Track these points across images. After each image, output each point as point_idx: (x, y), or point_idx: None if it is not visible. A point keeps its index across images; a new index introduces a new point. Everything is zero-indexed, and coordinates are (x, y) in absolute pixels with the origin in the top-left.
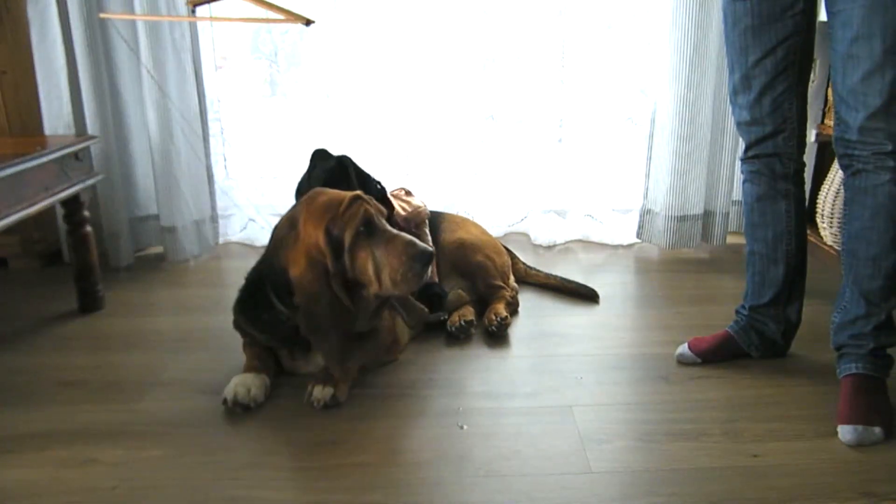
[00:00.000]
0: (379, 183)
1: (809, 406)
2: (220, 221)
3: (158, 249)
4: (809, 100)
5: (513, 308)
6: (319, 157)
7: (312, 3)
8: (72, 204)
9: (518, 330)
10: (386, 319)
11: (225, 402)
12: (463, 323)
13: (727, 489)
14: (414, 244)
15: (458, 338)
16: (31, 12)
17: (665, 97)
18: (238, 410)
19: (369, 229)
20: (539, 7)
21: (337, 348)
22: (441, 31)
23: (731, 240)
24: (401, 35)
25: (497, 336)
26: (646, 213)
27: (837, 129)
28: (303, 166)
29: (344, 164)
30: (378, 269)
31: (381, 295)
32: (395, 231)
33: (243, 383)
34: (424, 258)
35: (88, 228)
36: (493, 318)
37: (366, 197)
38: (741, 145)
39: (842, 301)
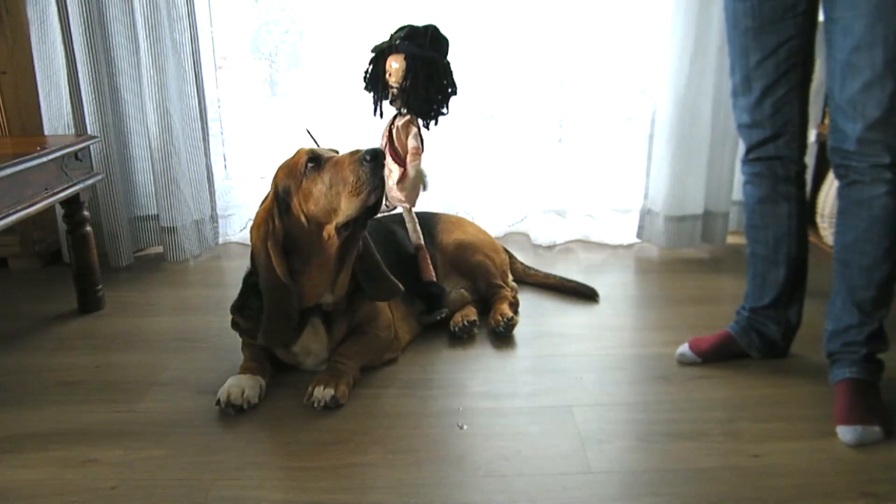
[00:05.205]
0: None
1: (809, 406)
2: (220, 221)
3: (158, 249)
4: (810, 100)
5: (514, 308)
6: None
7: (313, 3)
8: (72, 204)
9: (518, 330)
10: (385, 317)
11: (218, 402)
12: (466, 323)
13: (727, 489)
14: (357, 150)
15: (462, 338)
16: (31, 12)
17: (665, 97)
18: (231, 412)
19: (316, 162)
20: (539, 7)
21: (265, 323)
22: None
23: (731, 240)
24: None
25: (503, 336)
26: (646, 213)
27: (833, 138)
28: None
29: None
30: (333, 194)
31: (348, 222)
32: (340, 154)
33: (237, 384)
34: (371, 153)
35: (88, 228)
36: (500, 318)
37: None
38: (742, 146)
39: (833, 309)
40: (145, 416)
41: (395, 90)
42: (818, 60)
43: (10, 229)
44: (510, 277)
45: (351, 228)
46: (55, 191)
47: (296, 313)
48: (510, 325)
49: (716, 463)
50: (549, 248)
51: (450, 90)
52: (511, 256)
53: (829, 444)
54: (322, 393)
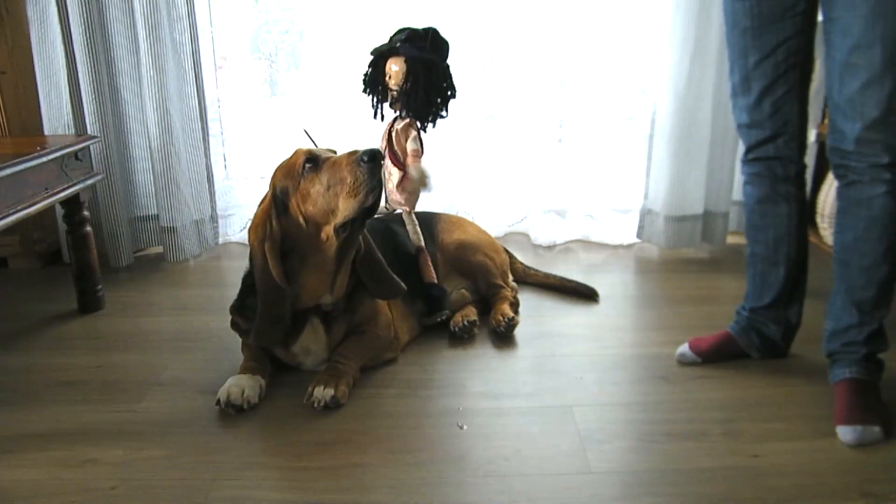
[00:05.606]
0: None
1: (809, 406)
2: (220, 221)
3: (158, 249)
4: (810, 100)
5: (514, 308)
6: None
7: (313, 3)
8: (72, 204)
9: (518, 330)
10: (385, 316)
11: (218, 402)
12: (466, 323)
13: (727, 489)
14: (354, 151)
15: (462, 338)
16: (31, 12)
17: (665, 97)
18: (231, 411)
19: (314, 163)
20: (539, 7)
21: (257, 323)
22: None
23: (731, 240)
24: None
25: (504, 336)
26: (646, 213)
27: (833, 138)
28: None
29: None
30: (331, 195)
31: (346, 223)
32: (338, 154)
33: (237, 384)
34: (369, 153)
35: (88, 228)
36: (501, 318)
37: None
38: (741, 145)
39: (833, 309)
40: (145, 416)
41: (395, 93)
42: (817, 60)
43: (10, 229)
44: (510, 277)
45: (349, 229)
46: (55, 191)
47: (288, 315)
48: (511, 325)
49: (715, 463)
50: (549, 248)
51: (449, 93)
52: (511, 256)
53: (829, 444)
54: (322, 393)
